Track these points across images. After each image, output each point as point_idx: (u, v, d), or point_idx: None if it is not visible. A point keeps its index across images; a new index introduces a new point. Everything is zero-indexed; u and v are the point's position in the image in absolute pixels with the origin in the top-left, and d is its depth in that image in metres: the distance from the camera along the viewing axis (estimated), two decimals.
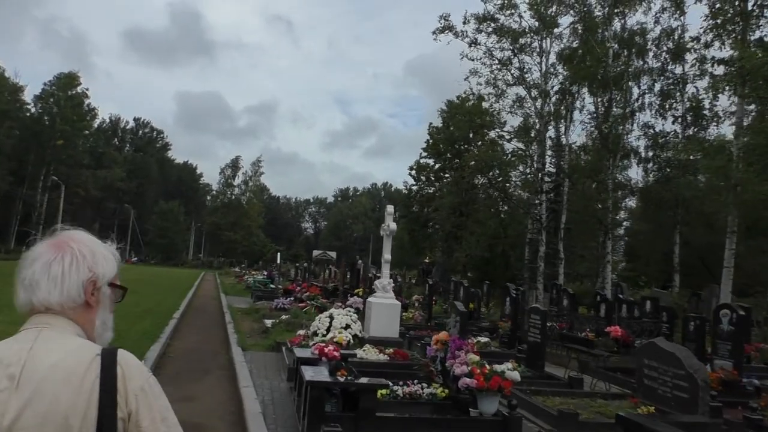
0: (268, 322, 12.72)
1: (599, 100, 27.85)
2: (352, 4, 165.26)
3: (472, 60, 29.47)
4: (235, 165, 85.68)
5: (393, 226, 9.79)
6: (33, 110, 66.69)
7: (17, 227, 62.12)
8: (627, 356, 10.43)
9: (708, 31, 22.82)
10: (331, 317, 9.11)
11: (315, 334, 9.09)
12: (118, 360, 1.30)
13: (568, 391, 7.89)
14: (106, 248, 1.48)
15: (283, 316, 13.23)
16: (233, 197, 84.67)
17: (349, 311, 9.30)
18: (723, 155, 20.74)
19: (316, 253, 59.74)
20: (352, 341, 8.66)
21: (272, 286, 28.37)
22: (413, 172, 40.98)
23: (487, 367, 6.26)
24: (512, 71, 29.24)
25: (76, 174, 69.41)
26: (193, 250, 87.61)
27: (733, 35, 21.01)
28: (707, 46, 24.11)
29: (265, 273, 34.40)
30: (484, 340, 11.91)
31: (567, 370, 9.74)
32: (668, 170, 30.41)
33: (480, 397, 6.04)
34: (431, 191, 40.08)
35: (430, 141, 40.61)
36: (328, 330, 8.99)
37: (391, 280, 9.82)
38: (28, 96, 65.38)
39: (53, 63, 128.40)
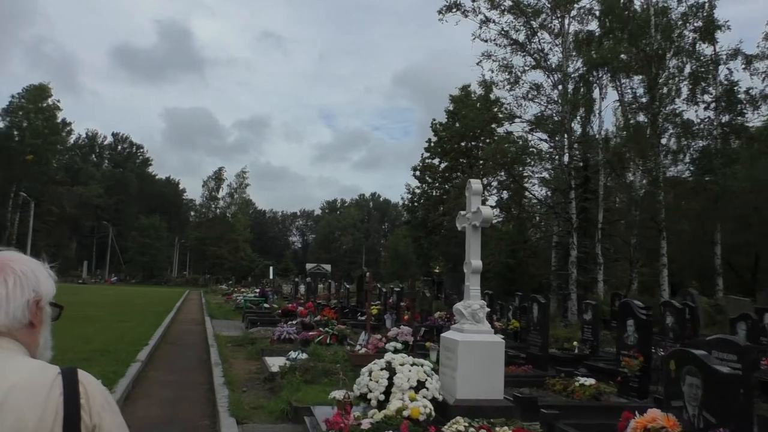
0: (273, 365, 8.83)
1: (640, 78, 24.37)
2: (338, 19, 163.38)
3: (485, 41, 25.99)
4: (218, 177, 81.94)
5: (486, 212, 6.02)
6: (0, 124, 62.70)
7: None
8: None
9: None
10: (391, 370, 5.31)
11: (364, 398, 5.31)
12: (79, 378, 1.32)
13: None
14: (45, 268, 1.47)
15: (293, 354, 9.35)
16: (218, 211, 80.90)
17: (419, 362, 5.47)
18: None
19: (309, 266, 55.77)
20: (432, 413, 4.87)
21: (266, 305, 24.44)
22: (417, 173, 37.21)
23: None
24: (531, 52, 25.73)
25: (50, 191, 65.66)
26: (177, 267, 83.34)
27: None
28: None
29: (257, 290, 30.35)
30: (588, 381, 8.16)
31: None
32: (704, 161, 27.01)
33: None
34: (438, 194, 36.32)
35: (434, 139, 36.99)
36: (387, 392, 5.20)
37: (483, 301, 6.02)
38: None
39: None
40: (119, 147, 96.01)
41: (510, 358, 10.12)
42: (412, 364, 5.40)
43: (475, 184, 6.33)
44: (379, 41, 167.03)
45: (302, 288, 31.51)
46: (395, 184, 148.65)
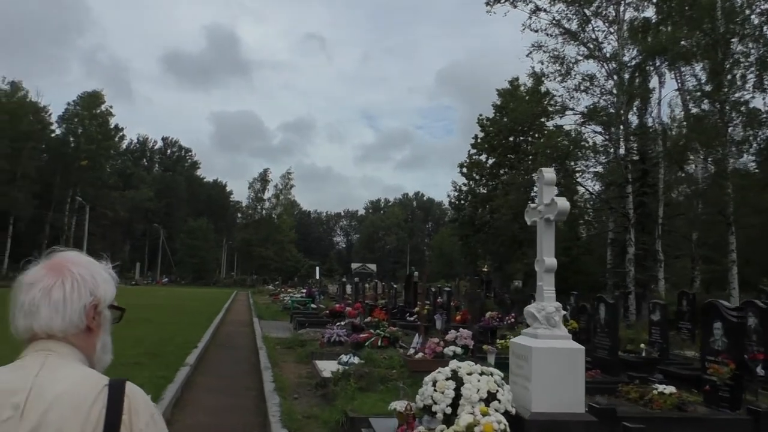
0: (325, 369, 8.40)
1: (702, 65, 23.07)
2: (379, 20, 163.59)
3: (536, 31, 25.07)
4: (264, 178, 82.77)
5: (562, 204, 5.40)
6: (57, 131, 64.73)
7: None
8: None
9: None
10: (458, 380, 4.78)
11: (428, 410, 4.78)
12: (126, 392, 1.27)
13: None
14: (105, 269, 1.43)
15: (344, 358, 8.91)
16: (264, 212, 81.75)
17: (487, 371, 4.90)
18: None
19: (354, 266, 55.73)
20: (507, 429, 4.31)
21: (313, 306, 24.19)
22: (464, 169, 36.36)
23: None
24: (584, 41, 24.67)
25: (104, 195, 67.61)
26: (225, 268, 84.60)
27: None
28: None
29: (304, 291, 30.18)
30: (668, 390, 7.43)
31: None
32: None
33: None
34: (485, 191, 35.42)
35: (480, 135, 36.10)
36: (454, 405, 4.66)
37: (559, 303, 5.39)
38: (53, 117, 63.50)
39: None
40: (168, 151, 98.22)
41: None
42: (481, 373, 4.83)
43: (548, 173, 5.70)
44: (421, 41, 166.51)
45: (348, 288, 31.23)
46: (438, 183, 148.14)
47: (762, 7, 24.71)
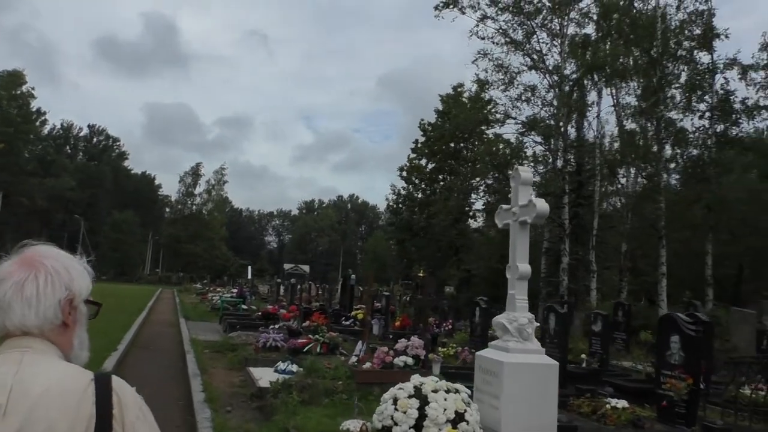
0: (261, 378, 7.69)
1: (641, 81, 23.72)
2: (324, 21, 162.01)
3: (482, 38, 25.14)
4: (195, 173, 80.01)
5: (541, 206, 4.98)
6: None
7: None
8: None
9: None
10: (422, 398, 4.26)
11: (388, 431, 4.24)
12: (113, 386, 1.24)
13: None
14: (80, 263, 1.40)
15: (282, 365, 8.21)
16: (194, 208, 79.03)
17: (453, 387, 4.39)
18: None
19: (287, 266, 54.55)
20: None
21: (244, 307, 23.16)
22: (404, 173, 36.12)
23: None
24: (529, 52, 24.92)
25: (21, 182, 63.42)
26: (151, 264, 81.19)
27: None
28: None
29: (235, 291, 28.98)
30: (620, 404, 7.22)
31: None
32: (698, 170, 26.51)
33: None
34: (422, 196, 35.30)
35: (421, 139, 35.99)
36: (418, 426, 4.14)
37: (532, 314, 4.94)
38: None
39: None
40: (95, 139, 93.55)
41: None
42: (447, 391, 4.36)
43: (524, 172, 5.30)
44: (364, 45, 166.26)
45: (281, 289, 30.27)
46: (374, 187, 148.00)
47: (695, 32, 25.84)
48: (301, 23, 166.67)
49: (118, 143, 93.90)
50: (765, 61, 28.16)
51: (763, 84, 28.02)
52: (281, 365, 8.65)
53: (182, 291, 42.96)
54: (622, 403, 7.21)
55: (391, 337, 13.85)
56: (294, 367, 8.63)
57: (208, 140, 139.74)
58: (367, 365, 7.28)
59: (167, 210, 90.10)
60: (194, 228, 74.77)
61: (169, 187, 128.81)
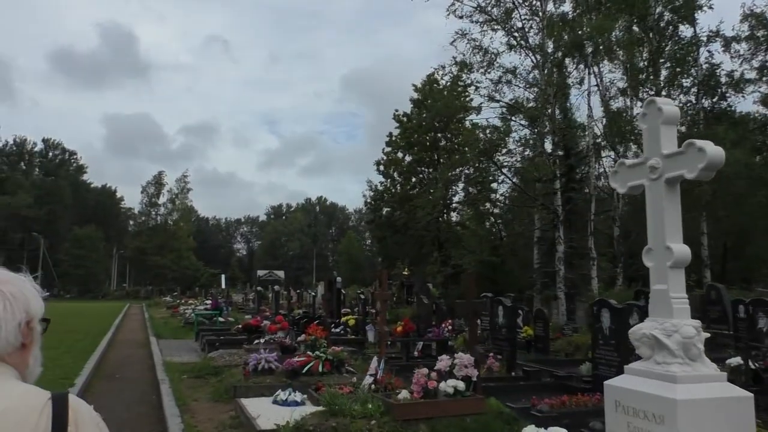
0: (260, 416, 5.95)
1: (637, 53, 22.55)
2: (283, 25, 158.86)
3: (460, 17, 23.64)
4: (158, 182, 77.16)
5: (711, 151, 3.15)
6: None
7: None
8: None
9: None
10: None
11: None
12: (70, 404, 1.25)
13: None
14: (30, 283, 1.38)
15: (282, 394, 6.49)
16: (158, 218, 76.19)
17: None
18: None
19: (261, 273, 52.34)
20: None
21: (221, 319, 21.18)
22: (381, 167, 34.43)
23: None
24: (510, 30, 23.50)
25: None
26: (117, 279, 78.00)
27: None
28: None
29: (209, 302, 26.89)
30: None
31: None
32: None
33: None
34: (401, 190, 33.68)
35: (395, 133, 34.39)
36: None
37: (698, 321, 3.19)
38: None
39: None
40: (50, 154, 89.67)
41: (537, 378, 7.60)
42: None
43: (666, 104, 3.48)
44: (325, 47, 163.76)
45: (239, 298, 28.24)
46: (342, 189, 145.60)
47: (676, 2, 24.88)
48: (260, 27, 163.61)
49: (75, 156, 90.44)
50: (747, 33, 27.52)
51: (746, 56, 27.38)
52: (281, 395, 6.92)
53: (152, 305, 40.64)
54: None
55: (389, 344, 12.24)
56: (298, 396, 6.92)
57: (173, 150, 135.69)
58: (404, 394, 5.58)
59: (131, 223, 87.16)
60: (160, 239, 72.15)
61: (132, 199, 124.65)
